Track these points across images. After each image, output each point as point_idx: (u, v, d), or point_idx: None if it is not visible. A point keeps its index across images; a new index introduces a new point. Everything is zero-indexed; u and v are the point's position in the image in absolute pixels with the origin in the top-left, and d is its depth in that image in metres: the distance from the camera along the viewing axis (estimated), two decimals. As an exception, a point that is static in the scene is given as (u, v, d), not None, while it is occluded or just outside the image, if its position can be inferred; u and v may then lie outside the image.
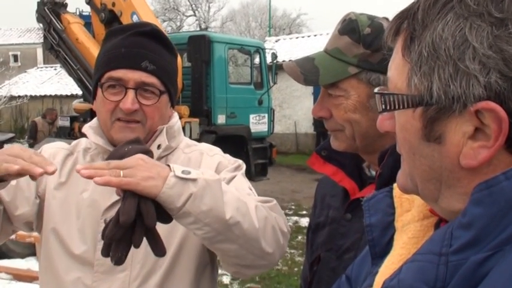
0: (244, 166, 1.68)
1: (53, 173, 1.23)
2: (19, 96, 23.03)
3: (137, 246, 1.18)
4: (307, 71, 1.44)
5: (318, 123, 18.78)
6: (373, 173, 1.50)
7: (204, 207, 1.25)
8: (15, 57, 36.36)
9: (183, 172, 1.23)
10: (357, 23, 1.41)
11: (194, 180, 1.24)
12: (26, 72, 29.61)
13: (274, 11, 42.80)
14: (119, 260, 1.17)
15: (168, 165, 1.26)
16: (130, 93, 1.53)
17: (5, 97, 22.26)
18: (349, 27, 1.42)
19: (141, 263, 1.52)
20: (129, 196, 1.15)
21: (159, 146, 1.61)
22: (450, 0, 0.69)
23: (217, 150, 1.72)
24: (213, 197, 1.27)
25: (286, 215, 10.24)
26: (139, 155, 1.22)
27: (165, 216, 1.23)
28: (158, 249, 1.21)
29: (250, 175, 9.49)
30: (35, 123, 13.58)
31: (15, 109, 24.09)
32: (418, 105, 0.71)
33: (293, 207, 11.01)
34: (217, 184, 1.30)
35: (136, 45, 1.56)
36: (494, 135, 0.66)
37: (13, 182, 1.42)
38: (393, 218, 0.88)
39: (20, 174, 1.25)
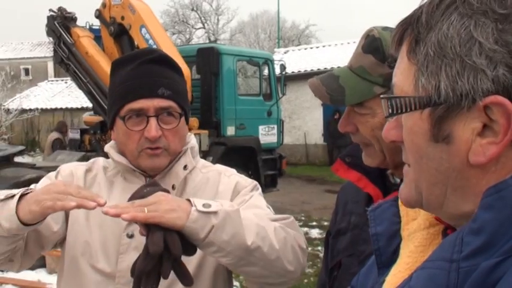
0: (259, 186, 1.76)
1: (104, 204, 1.30)
2: (30, 109, 23.30)
3: (166, 277, 1.26)
4: (333, 91, 1.44)
5: (329, 135, 18.69)
6: (398, 180, 1.51)
7: (226, 236, 1.32)
8: (27, 71, 36.70)
9: (204, 206, 1.30)
10: (380, 42, 1.41)
11: (215, 212, 1.31)
12: (37, 85, 29.91)
13: (283, 23, 43.07)
14: None
15: (188, 200, 1.32)
16: (153, 121, 1.58)
17: (16, 110, 22.49)
18: (373, 46, 1.42)
19: None
20: (155, 229, 1.23)
21: (185, 167, 1.66)
22: (454, 1, 0.70)
23: (233, 171, 1.78)
24: (233, 226, 1.34)
25: (296, 226, 10.20)
26: (159, 192, 1.31)
27: (189, 248, 1.30)
28: (186, 278, 1.30)
29: (260, 186, 9.36)
30: (60, 140, 12.69)
31: (26, 122, 24.31)
32: (426, 106, 0.71)
33: (303, 218, 10.94)
34: (236, 214, 1.37)
35: (150, 74, 1.60)
36: (503, 129, 0.66)
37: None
38: (399, 226, 0.88)
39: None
